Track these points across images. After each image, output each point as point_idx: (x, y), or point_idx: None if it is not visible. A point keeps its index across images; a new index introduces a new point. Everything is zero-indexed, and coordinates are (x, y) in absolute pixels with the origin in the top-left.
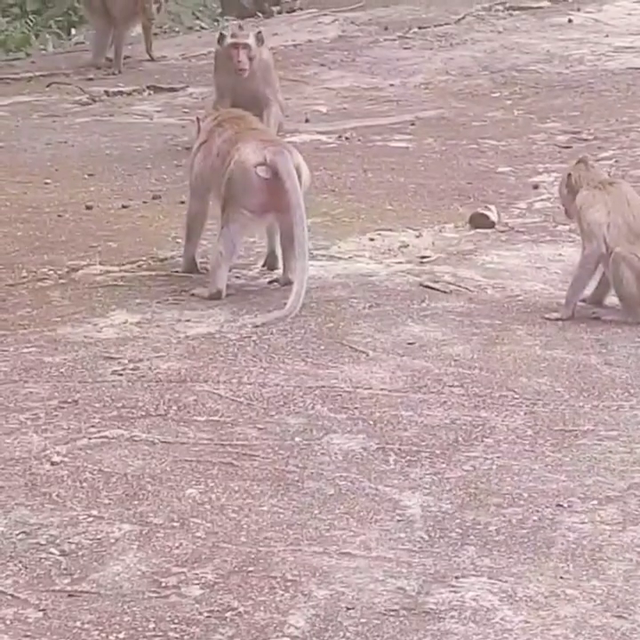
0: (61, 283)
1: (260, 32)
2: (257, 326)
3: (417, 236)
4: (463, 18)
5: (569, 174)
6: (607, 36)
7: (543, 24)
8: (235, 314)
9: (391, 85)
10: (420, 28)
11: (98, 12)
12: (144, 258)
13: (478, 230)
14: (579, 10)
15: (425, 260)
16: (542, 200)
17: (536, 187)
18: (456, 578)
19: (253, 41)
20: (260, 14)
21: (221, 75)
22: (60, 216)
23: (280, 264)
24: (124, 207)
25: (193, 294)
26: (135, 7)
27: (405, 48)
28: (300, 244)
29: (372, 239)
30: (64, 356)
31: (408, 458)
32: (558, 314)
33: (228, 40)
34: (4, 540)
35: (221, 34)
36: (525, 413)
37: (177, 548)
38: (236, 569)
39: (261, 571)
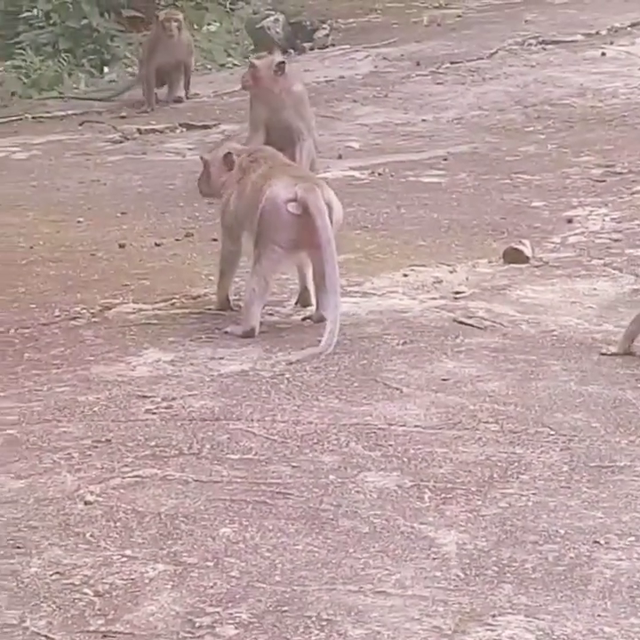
0: (94, 321)
1: (282, 62)
2: (291, 363)
3: (451, 272)
4: (496, 52)
5: None
6: None
7: (576, 58)
8: (268, 351)
9: (423, 120)
10: (452, 62)
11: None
12: (177, 296)
13: (512, 265)
14: (611, 43)
15: (459, 295)
16: (576, 234)
17: (570, 221)
18: (492, 616)
19: (264, 64)
20: (292, 51)
21: (255, 108)
22: (92, 255)
23: (313, 301)
24: (156, 245)
25: (226, 332)
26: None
27: (438, 83)
28: (331, 280)
29: (405, 275)
30: (97, 394)
31: (443, 495)
32: (615, 348)
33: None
34: (38, 581)
35: (251, 62)
36: (561, 449)
37: (211, 587)
38: (271, 608)
39: (296, 610)
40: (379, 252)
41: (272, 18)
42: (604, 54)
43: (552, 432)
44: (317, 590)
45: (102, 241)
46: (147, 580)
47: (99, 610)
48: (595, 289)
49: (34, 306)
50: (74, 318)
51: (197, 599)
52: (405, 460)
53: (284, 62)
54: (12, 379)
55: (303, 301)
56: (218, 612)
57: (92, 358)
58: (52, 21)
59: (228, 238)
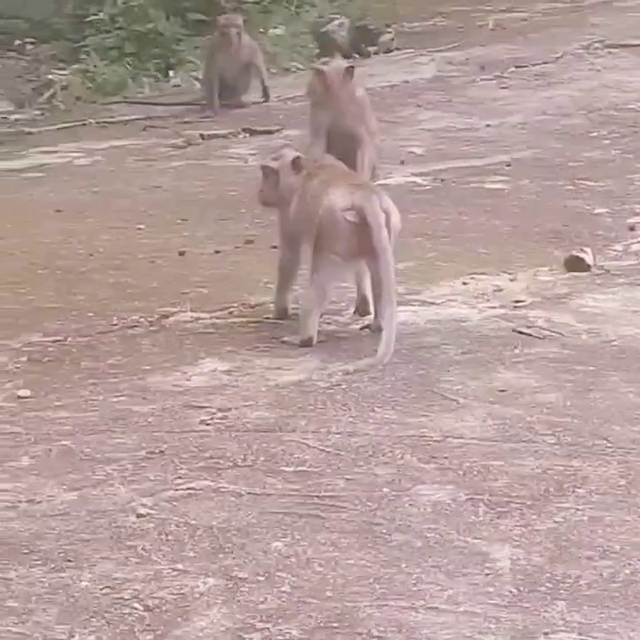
0: (152, 330)
1: (351, 67)
2: (348, 374)
3: (511, 280)
4: (561, 56)
5: None
6: None
7: None
8: (325, 361)
9: (487, 126)
10: (517, 67)
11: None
12: (235, 304)
13: (573, 273)
14: None
15: (519, 304)
16: (639, 242)
17: (632, 228)
18: (545, 634)
19: (333, 71)
20: (356, 55)
21: (316, 113)
22: (152, 262)
23: (371, 310)
24: (216, 252)
25: (284, 341)
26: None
27: (502, 88)
28: (388, 290)
29: (465, 283)
30: (153, 405)
31: (498, 509)
32: None
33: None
34: (88, 595)
35: (317, 69)
36: (618, 463)
37: (262, 603)
38: (321, 625)
39: (347, 627)
40: (439, 259)
41: (337, 22)
42: None
43: (609, 445)
44: (369, 606)
45: (162, 248)
46: (197, 595)
47: (148, 625)
48: None
49: (92, 314)
50: (132, 327)
51: (248, 615)
52: (461, 472)
53: (353, 68)
54: (69, 388)
55: (361, 310)
56: (268, 628)
57: (148, 367)
58: (117, 25)
59: (288, 247)
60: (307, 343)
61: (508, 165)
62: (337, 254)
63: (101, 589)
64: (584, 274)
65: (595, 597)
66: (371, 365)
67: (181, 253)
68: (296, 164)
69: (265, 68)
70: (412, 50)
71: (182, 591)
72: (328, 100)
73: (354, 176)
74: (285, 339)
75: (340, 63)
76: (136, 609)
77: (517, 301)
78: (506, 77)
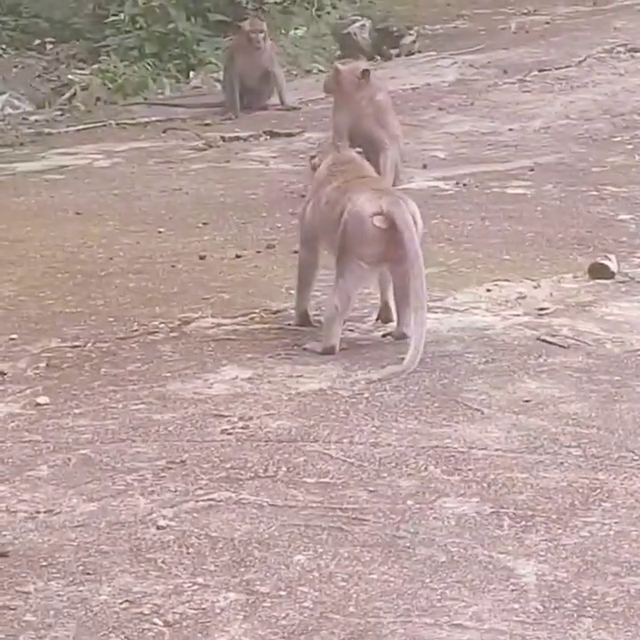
0: (172, 336)
1: (366, 70)
2: (372, 382)
3: (535, 287)
4: (584, 60)
5: None
6: None
7: None
8: (347, 369)
9: (510, 130)
10: (540, 70)
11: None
12: (256, 310)
13: (598, 281)
14: None
15: (543, 311)
16: None
17: None
18: None
19: (347, 70)
20: (378, 57)
21: (337, 115)
22: (173, 266)
23: (394, 317)
24: (237, 257)
25: (305, 349)
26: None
27: (525, 91)
28: (419, 296)
29: (488, 290)
30: (173, 413)
31: (523, 523)
32: None
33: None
34: (107, 610)
35: (336, 67)
36: None
37: (284, 618)
38: None
39: None
40: (462, 265)
41: (359, 23)
42: None
43: (636, 457)
44: (392, 622)
45: (182, 252)
46: (218, 610)
47: None
48: None
49: (112, 319)
50: (152, 333)
51: (269, 631)
52: (485, 485)
53: (368, 70)
54: (89, 395)
55: (384, 317)
56: None
57: (168, 374)
58: (138, 25)
59: (305, 248)
60: (329, 351)
61: (531, 170)
62: (363, 260)
63: (120, 603)
64: (608, 281)
65: (622, 615)
66: (396, 374)
67: (202, 257)
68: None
69: (283, 74)
70: (433, 52)
71: (203, 606)
72: (345, 101)
73: (374, 180)
74: (307, 346)
75: (357, 64)
76: (156, 624)
77: (541, 309)
78: (528, 81)
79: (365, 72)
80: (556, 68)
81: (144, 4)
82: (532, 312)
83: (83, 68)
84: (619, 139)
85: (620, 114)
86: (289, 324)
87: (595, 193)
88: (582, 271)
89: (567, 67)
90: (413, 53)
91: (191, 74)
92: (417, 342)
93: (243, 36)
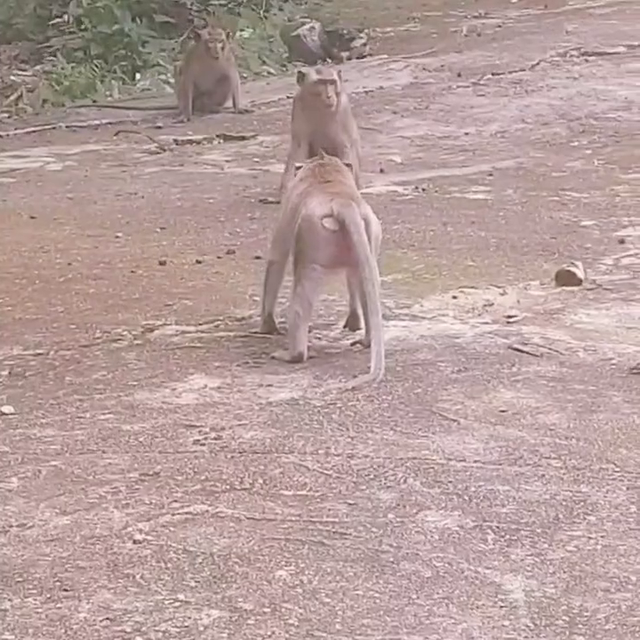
0: (137, 344)
1: (340, 71)
2: (343, 392)
3: (501, 294)
4: (538, 64)
5: None
6: None
7: (620, 70)
8: (318, 378)
9: (466, 134)
10: (493, 74)
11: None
12: (221, 317)
13: (565, 288)
14: None
15: (511, 319)
16: (630, 256)
17: (622, 241)
18: None
19: (338, 78)
20: (328, 60)
21: (299, 121)
22: (133, 272)
23: (362, 325)
24: (198, 262)
25: (274, 357)
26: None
27: (479, 95)
28: (372, 299)
29: (455, 297)
30: (143, 423)
31: (507, 537)
32: None
33: (314, 77)
34: (88, 628)
35: (301, 72)
36: (628, 488)
37: (269, 636)
38: None
39: None
40: (426, 272)
41: (308, 26)
42: None
43: (617, 469)
44: None
45: (142, 257)
46: (201, 628)
47: None
48: None
49: (74, 326)
50: (115, 340)
51: None
52: (466, 498)
53: (341, 71)
54: (54, 404)
55: (351, 325)
56: None
57: (135, 383)
58: (83, 26)
59: (275, 249)
60: (297, 359)
61: (491, 175)
62: (317, 264)
63: (101, 621)
64: (575, 288)
65: (614, 632)
66: (366, 382)
67: (162, 263)
68: None
69: (238, 77)
70: (385, 55)
71: (186, 624)
72: (310, 105)
73: (335, 183)
74: (275, 354)
75: (333, 69)
76: None
77: (510, 316)
78: (482, 85)
79: (339, 75)
80: (510, 72)
81: (88, 4)
82: (500, 320)
83: (25, 70)
84: (576, 143)
85: (577, 118)
86: (255, 332)
87: (556, 198)
88: (549, 278)
89: (521, 70)
90: (365, 56)
91: (137, 75)
92: (377, 347)
93: (201, 45)
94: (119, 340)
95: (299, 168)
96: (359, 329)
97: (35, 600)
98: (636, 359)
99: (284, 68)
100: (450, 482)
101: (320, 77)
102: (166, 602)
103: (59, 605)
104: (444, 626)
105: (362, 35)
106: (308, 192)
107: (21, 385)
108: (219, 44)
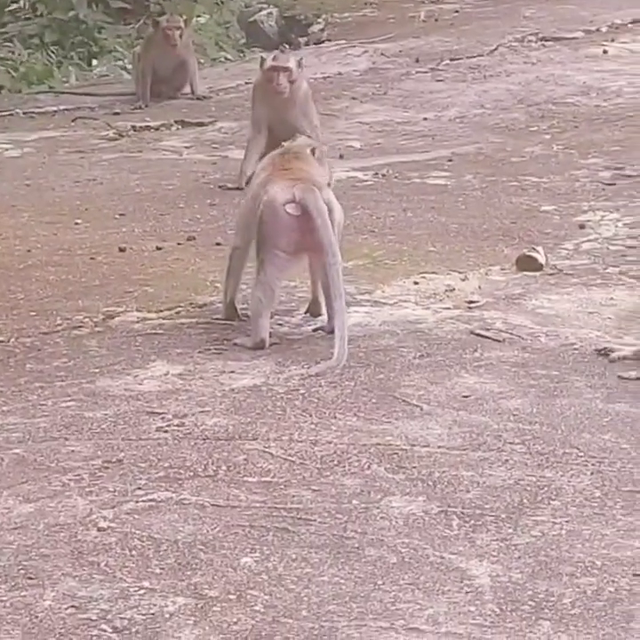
0: (98, 331)
1: (301, 58)
2: (306, 378)
3: (463, 280)
4: (496, 49)
5: None
6: None
7: (578, 55)
8: (280, 365)
9: (425, 119)
10: (452, 59)
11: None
12: (182, 304)
13: (526, 273)
14: (613, 40)
15: (473, 305)
16: (590, 241)
17: (582, 226)
18: None
19: (295, 65)
20: (286, 45)
21: (259, 107)
22: (92, 259)
23: (324, 311)
24: (158, 249)
25: (236, 344)
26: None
27: (438, 80)
28: (335, 285)
29: (416, 283)
30: (105, 410)
31: (472, 522)
32: (637, 373)
33: (269, 63)
34: (53, 616)
35: (262, 58)
36: (591, 473)
37: (235, 623)
38: None
39: None
40: (387, 257)
41: (265, 11)
42: (605, 52)
43: (581, 454)
44: (347, 626)
45: (101, 244)
46: (167, 615)
47: None
48: (612, 299)
49: (34, 313)
50: (76, 327)
51: (221, 636)
52: (430, 483)
53: (302, 59)
54: (16, 392)
55: (313, 311)
56: None
57: (97, 370)
58: (39, 13)
59: (239, 236)
60: (259, 345)
61: (450, 160)
62: (280, 250)
63: (66, 609)
64: (536, 273)
65: (580, 617)
66: (330, 367)
67: (122, 249)
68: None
69: (196, 63)
70: (343, 41)
71: (151, 611)
72: (271, 92)
73: (297, 170)
74: (237, 341)
75: (290, 56)
76: (104, 631)
77: (471, 302)
78: (441, 70)
79: (300, 62)
80: (468, 57)
81: None
82: (461, 305)
83: None
84: (535, 128)
85: (536, 103)
86: (217, 318)
87: (516, 183)
88: (509, 263)
89: (479, 56)
90: (322, 42)
91: (94, 62)
92: (341, 332)
93: (159, 32)
94: (80, 327)
95: (262, 156)
96: (320, 315)
97: None
98: (598, 344)
99: (242, 54)
100: (414, 467)
101: (273, 64)
102: (131, 589)
103: (23, 593)
104: (411, 611)
105: (319, 20)
106: (268, 179)
107: None
108: (177, 31)
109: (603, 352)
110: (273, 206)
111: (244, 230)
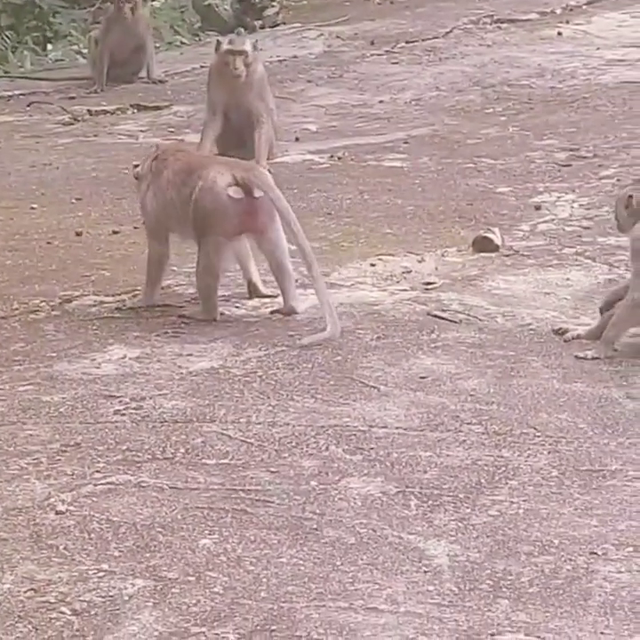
0: (55, 315)
1: (256, 41)
2: (301, 348)
3: (419, 261)
4: (451, 31)
5: (630, 196)
6: (598, 48)
7: (532, 37)
8: (238, 347)
9: (380, 102)
10: (407, 42)
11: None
12: (139, 287)
13: (482, 254)
14: (567, 22)
15: (430, 286)
16: (546, 222)
17: (538, 208)
18: (491, 635)
19: (250, 48)
20: (241, 29)
21: (215, 90)
22: (49, 243)
23: (264, 290)
24: (114, 233)
25: (183, 315)
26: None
27: (393, 63)
28: (306, 252)
29: (373, 265)
30: (63, 394)
31: (430, 502)
32: (593, 353)
33: (225, 46)
34: (12, 599)
35: (218, 41)
36: (549, 452)
37: (194, 605)
38: (259, 628)
39: (285, 629)
40: (344, 240)
41: None
42: (560, 34)
43: (538, 434)
44: (306, 607)
45: (58, 229)
46: (126, 597)
47: (77, 630)
48: (568, 279)
49: None
50: (33, 311)
51: (181, 618)
52: (388, 464)
53: (257, 41)
54: None
55: (255, 293)
56: (203, 633)
57: (54, 354)
58: None
59: (154, 239)
60: (210, 319)
61: (406, 143)
62: (224, 235)
63: (25, 592)
64: (493, 254)
65: (538, 595)
66: (324, 339)
67: (78, 234)
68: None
69: (153, 46)
70: (298, 24)
71: (110, 593)
72: (226, 76)
73: (215, 157)
74: (185, 313)
75: (247, 38)
76: (63, 613)
77: (428, 283)
78: (396, 53)
79: (256, 45)
80: (423, 40)
81: None
82: (418, 287)
83: None
84: (491, 110)
85: (491, 85)
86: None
87: (471, 165)
88: (466, 244)
89: (434, 38)
90: (277, 25)
91: (49, 46)
92: (324, 298)
93: (113, 7)
94: (37, 311)
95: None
96: (262, 296)
97: None
98: (554, 324)
99: (197, 38)
100: (372, 448)
101: (229, 48)
102: (90, 572)
103: None
104: (369, 591)
105: (274, 3)
106: (195, 167)
107: None
108: (128, 5)
109: (558, 332)
110: (214, 191)
111: (161, 230)
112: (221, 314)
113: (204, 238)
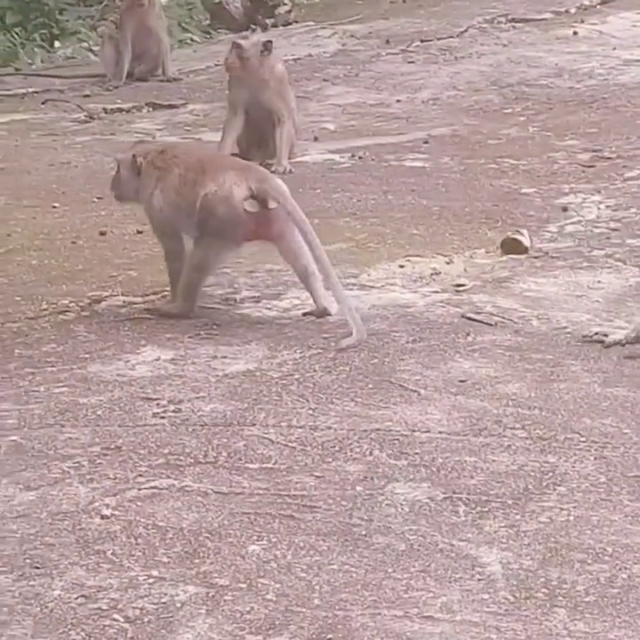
0: (84, 315)
1: (269, 41)
2: (339, 351)
3: (448, 263)
4: (466, 31)
5: None
6: (614, 48)
7: (548, 36)
8: (272, 349)
9: (398, 101)
10: (422, 41)
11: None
12: (167, 288)
13: (511, 256)
14: (582, 22)
15: (460, 288)
16: (573, 223)
17: (565, 209)
18: None
19: (250, 44)
20: (252, 27)
21: (235, 89)
22: (74, 243)
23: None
24: (139, 232)
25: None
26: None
27: (409, 62)
28: (322, 261)
29: (401, 266)
30: (99, 396)
31: (479, 509)
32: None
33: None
34: (63, 605)
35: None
36: (595, 458)
37: (248, 612)
38: (315, 636)
39: (342, 638)
40: (370, 241)
41: None
42: (575, 33)
43: (583, 439)
44: (361, 615)
45: (82, 228)
46: (178, 604)
47: (131, 638)
48: (599, 282)
49: (19, 298)
50: (62, 312)
51: (235, 626)
52: (434, 469)
53: (271, 42)
54: (6, 378)
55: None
56: None
57: (87, 356)
58: None
59: (167, 238)
60: (187, 315)
61: (426, 142)
62: (233, 242)
63: (76, 599)
64: (522, 256)
65: (595, 604)
66: (351, 345)
67: (102, 233)
68: (134, 162)
69: (168, 42)
70: (311, 22)
71: (162, 600)
72: (244, 74)
73: (226, 156)
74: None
75: (258, 37)
76: (116, 620)
77: (458, 285)
78: (412, 52)
79: (268, 44)
80: (439, 39)
81: None
82: (449, 288)
83: None
84: (510, 110)
85: (509, 85)
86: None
87: (494, 166)
88: (494, 246)
89: (449, 37)
90: (290, 23)
91: (57, 43)
92: (345, 305)
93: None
94: (66, 311)
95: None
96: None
97: (6, 578)
98: (589, 327)
99: (208, 36)
100: (416, 453)
101: (233, 42)
102: (140, 578)
103: (31, 583)
104: (424, 599)
105: (286, 1)
106: (206, 168)
107: None
108: None
109: (597, 336)
110: (229, 203)
111: (173, 228)
112: (252, 316)
113: (208, 238)
